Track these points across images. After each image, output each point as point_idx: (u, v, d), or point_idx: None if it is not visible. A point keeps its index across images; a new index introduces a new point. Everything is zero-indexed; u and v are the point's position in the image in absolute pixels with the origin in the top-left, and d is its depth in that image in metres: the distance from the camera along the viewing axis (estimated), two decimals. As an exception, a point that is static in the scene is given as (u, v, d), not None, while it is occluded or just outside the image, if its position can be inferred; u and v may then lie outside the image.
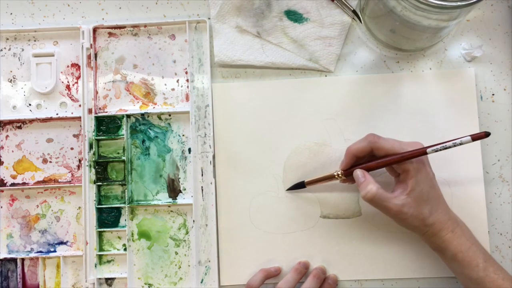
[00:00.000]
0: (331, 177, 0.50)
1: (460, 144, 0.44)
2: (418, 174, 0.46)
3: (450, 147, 0.45)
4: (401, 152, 0.46)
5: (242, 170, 0.55)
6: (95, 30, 0.57)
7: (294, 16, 0.55)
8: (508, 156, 0.54)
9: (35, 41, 0.57)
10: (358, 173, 0.48)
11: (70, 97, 0.57)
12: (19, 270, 0.55)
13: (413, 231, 0.48)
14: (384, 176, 0.52)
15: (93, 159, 0.55)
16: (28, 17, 0.58)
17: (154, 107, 0.56)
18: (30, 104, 0.57)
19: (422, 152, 0.45)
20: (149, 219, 0.55)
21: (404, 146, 0.46)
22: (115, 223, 0.55)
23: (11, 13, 0.58)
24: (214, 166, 0.55)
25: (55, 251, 0.56)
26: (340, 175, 0.49)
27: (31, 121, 0.56)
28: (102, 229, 0.55)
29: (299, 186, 0.54)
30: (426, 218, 0.46)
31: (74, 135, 0.56)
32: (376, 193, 0.46)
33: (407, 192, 0.46)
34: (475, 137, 0.44)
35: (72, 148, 0.56)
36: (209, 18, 0.56)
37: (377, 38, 0.55)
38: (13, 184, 0.56)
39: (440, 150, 0.45)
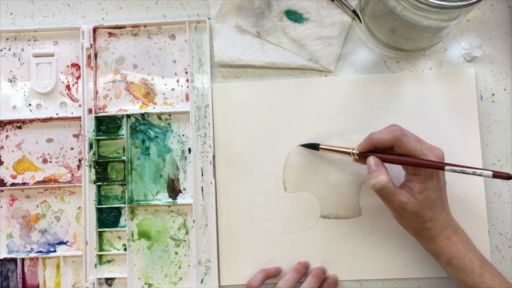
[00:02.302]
0: (346, 152, 0.50)
1: (480, 175, 0.44)
2: (429, 181, 0.46)
3: (468, 173, 0.44)
4: (419, 158, 0.45)
5: (242, 170, 0.55)
6: (95, 30, 0.57)
7: (294, 16, 0.55)
8: (508, 156, 0.54)
9: (35, 41, 0.57)
10: (372, 161, 0.47)
11: (70, 97, 0.57)
12: (19, 270, 0.55)
13: (410, 231, 0.48)
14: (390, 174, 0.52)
15: (93, 159, 0.55)
16: (28, 17, 0.58)
17: (154, 107, 0.56)
18: (30, 104, 0.57)
19: (439, 167, 0.45)
20: (149, 219, 0.55)
21: (425, 151, 0.46)
22: (115, 223, 0.55)
23: (11, 13, 0.58)
24: (214, 166, 0.55)
25: (55, 251, 0.56)
26: (355, 154, 0.49)
27: (31, 121, 0.56)
28: (102, 229, 0.55)
29: (313, 147, 0.53)
30: (425, 221, 0.46)
31: (74, 135, 0.56)
32: (386, 185, 0.45)
33: (413, 193, 0.46)
34: (496, 175, 0.43)
35: (72, 148, 0.56)
36: (209, 18, 0.56)
37: (377, 38, 0.55)
38: (13, 184, 0.56)
39: (458, 172, 0.44)
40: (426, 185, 0.46)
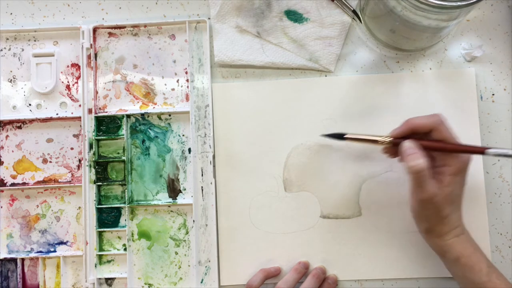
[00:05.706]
0: (374, 141, 0.48)
1: None
2: (459, 174, 0.45)
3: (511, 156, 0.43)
4: (459, 144, 0.45)
5: (242, 170, 0.55)
6: (95, 30, 0.57)
7: (294, 16, 0.55)
8: (508, 156, 0.54)
9: (35, 41, 0.57)
10: (408, 144, 0.45)
11: (70, 97, 0.57)
12: (19, 270, 0.55)
13: (423, 226, 0.47)
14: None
15: (93, 159, 0.55)
16: (28, 17, 0.58)
17: (154, 107, 0.56)
18: (30, 104, 0.57)
19: (480, 151, 0.44)
20: (149, 219, 0.55)
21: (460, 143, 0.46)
22: (115, 223, 0.55)
23: (11, 13, 0.58)
24: (214, 166, 0.55)
25: (55, 251, 0.56)
26: (386, 142, 0.47)
27: (31, 121, 0.56)
28: (102, 229, 0.55)
29: (338, 136, 0.50)
30: (443, 216, 0.45)
31: (74, 135, 0.56)
32: (424, 168, 0.43)
33: (441, 185, 0.45)
34: None
35: (72, 148, 0.56)
36: (209, 18, 0.56)
37: (377, 38, 0.55)
38: (13, 184, 0.56)
39: (501, 155, 0.43)
40: (455, 178, 0.45)
